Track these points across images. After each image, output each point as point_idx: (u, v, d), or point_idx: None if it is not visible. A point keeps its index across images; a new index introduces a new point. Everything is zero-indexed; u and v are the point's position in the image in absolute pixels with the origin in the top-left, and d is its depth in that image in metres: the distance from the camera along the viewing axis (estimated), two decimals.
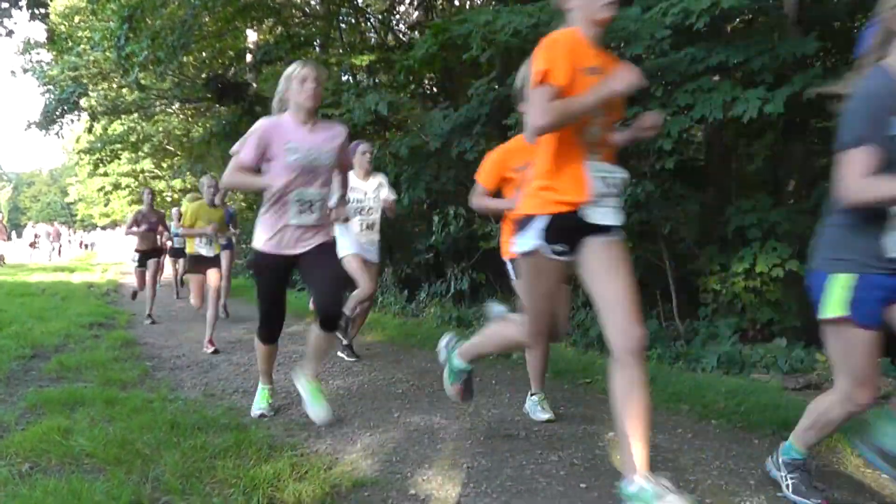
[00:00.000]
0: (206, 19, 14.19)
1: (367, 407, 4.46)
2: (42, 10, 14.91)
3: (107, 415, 3.93)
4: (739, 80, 6.55)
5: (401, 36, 16.29)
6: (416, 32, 15.32)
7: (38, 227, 36.91)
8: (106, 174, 30.50)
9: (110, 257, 31.32)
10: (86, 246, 42.58)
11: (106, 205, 39.46)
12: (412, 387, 5.02)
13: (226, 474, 3.02)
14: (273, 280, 3.99)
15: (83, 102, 18.29)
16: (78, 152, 27.42)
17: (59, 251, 34.37)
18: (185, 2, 12.10)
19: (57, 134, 18.13)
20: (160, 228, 9.65)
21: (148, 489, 2.86)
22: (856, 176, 2.27)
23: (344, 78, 15.85)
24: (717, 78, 6.70)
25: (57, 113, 17.27)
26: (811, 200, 7.03)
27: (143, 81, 16.40)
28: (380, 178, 6.09)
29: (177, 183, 28.99)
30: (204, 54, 16.54)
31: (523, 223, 2.67)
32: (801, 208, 7.01)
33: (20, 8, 14.42)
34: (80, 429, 3.58)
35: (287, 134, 3.77)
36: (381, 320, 8.45)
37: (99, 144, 22.01)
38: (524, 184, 2.89)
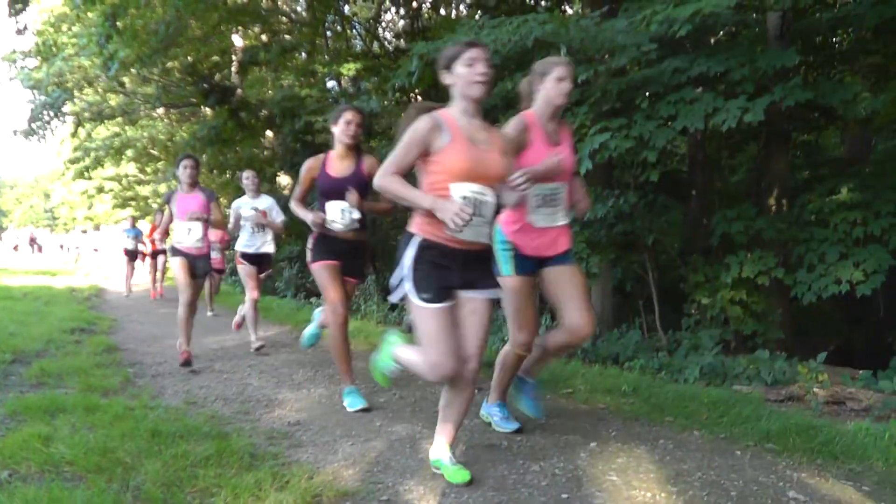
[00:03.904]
0: (193, 23, 14.15)
1: (348, 416, 4.44)
2: (20, 5, 14.72)
3: (88, 422, 3.90)
4: (721, 92, 6.62)
5: (386, 44, 16.34)
6: (402, 41, 15.36)
7: (20, 231, 37.32)
8: (90, 178, 30.33)
9: (92, 260, 31.04)
10: (67, 248, 42.46)
11: (89, 208, 39.27)
12: (394, 396, 5.00)
13: (207, 483, 3.01)
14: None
15: (68, 108, 18.18)
16: (64, 162, 27.20)
17: (40, 249, 35.14)
18: (168, 3, 12.04)
19: (39, 140, 17.99)
20: None
21: (129, 498, 2.85)
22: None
23: (329, 85, 15.89)
24: (699, 90, 6.76)
25: (43, 117, 17.13)
26: (794, 211, 7.11)
27: (127, 85, 16.29)
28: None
29: (162, 188, 28.81)
30: (190, 58, 16.49)
31: None
32: (784, 218, 7.09)
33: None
34: (60, 436, 3.55)
35: None
36: (364, 328, 8.43)
37: (81, 153, 21.86)
38: None
